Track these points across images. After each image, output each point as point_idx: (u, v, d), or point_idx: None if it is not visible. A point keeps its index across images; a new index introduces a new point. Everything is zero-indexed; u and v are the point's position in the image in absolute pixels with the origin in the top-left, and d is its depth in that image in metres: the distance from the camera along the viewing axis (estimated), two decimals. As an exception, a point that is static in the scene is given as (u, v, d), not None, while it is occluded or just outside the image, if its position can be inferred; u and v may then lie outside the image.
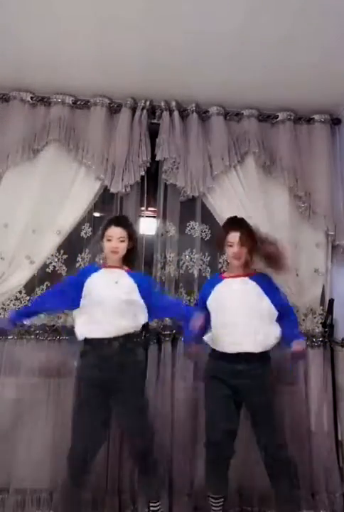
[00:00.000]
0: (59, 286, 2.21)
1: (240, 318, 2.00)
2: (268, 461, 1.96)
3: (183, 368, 2.47)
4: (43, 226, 2.55)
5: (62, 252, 2.61)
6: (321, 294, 2.68)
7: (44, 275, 2.58)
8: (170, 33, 2.18)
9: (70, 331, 2.27)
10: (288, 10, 2.00)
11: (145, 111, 2.71)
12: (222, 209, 2.65)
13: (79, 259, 2.61)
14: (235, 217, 2.23)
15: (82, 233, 2.64)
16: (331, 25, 2.08)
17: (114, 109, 2.75)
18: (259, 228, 2.20)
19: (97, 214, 2.70)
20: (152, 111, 2.77)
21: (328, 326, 2.62)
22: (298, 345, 2.00)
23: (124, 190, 2.60)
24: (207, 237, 2.73)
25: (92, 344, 1.99)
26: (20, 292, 2.53)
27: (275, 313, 2.06)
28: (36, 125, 2.66)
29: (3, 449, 2.31)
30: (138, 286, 2.06)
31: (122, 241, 2.09)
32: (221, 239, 2.17)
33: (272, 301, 2.06)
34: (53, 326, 2.49)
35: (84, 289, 2.04)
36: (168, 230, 2.67)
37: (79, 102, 2.73)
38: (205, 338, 2.12)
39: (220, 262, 2.67)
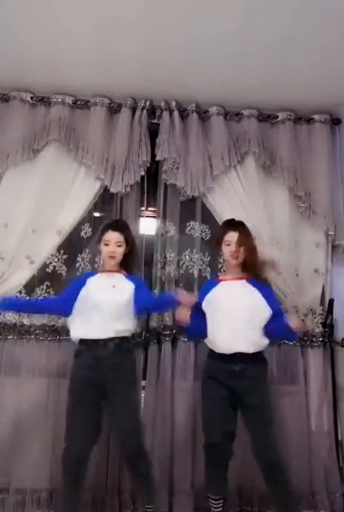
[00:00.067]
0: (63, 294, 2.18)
1: (234, 319, 2.01)
2: (260, 465, 1.94)
3: (182, 368, 2.48)
4: (43, 226, 2.55)
5: (62, 252, 2.61)
6: (321, 294, 2.68)
7: (44, 275, 2.58)
8: (170, 33, 2.18)
9: (70, 331, 2.27)
10: (288, 10, 2.00)
11: (145, 111, 2.72)
12: (222, 209, 2.66)
13: (79, 259, 2.61)
14: (234, 219, 2.25)
15: (82, 233, 2.64)
16: (331, 25, 2.09)
17: (114, 109, 2.75)
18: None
19: (97, 214, 2.71)
20: (152, 111, 2.77)
21: (328, 326, 2.62)
22: (293, 322, 2.04)
23: (124, 190, 2.60)
24: (207, 237, 2.73)
25: (87, 344, 1.99)
26: (20, 292, 2.53)
27: (269, 315, 2.06)
28: (36, 125, 2.66)
29: (3, 449, 2.31)
30: (135, 291, 2.06)
31: (119, 246, 2.10)
32: (219, 238, 2.19)
33: (267, 303, 2.06)
34: (53, 326, 2.49)
35: (81, 293, 2.04)
36: (168, 230, 2.68)
37: (79, 102, 2.73)
38: (206, 340, 2.13)
39: (220, 262, 2.66)
